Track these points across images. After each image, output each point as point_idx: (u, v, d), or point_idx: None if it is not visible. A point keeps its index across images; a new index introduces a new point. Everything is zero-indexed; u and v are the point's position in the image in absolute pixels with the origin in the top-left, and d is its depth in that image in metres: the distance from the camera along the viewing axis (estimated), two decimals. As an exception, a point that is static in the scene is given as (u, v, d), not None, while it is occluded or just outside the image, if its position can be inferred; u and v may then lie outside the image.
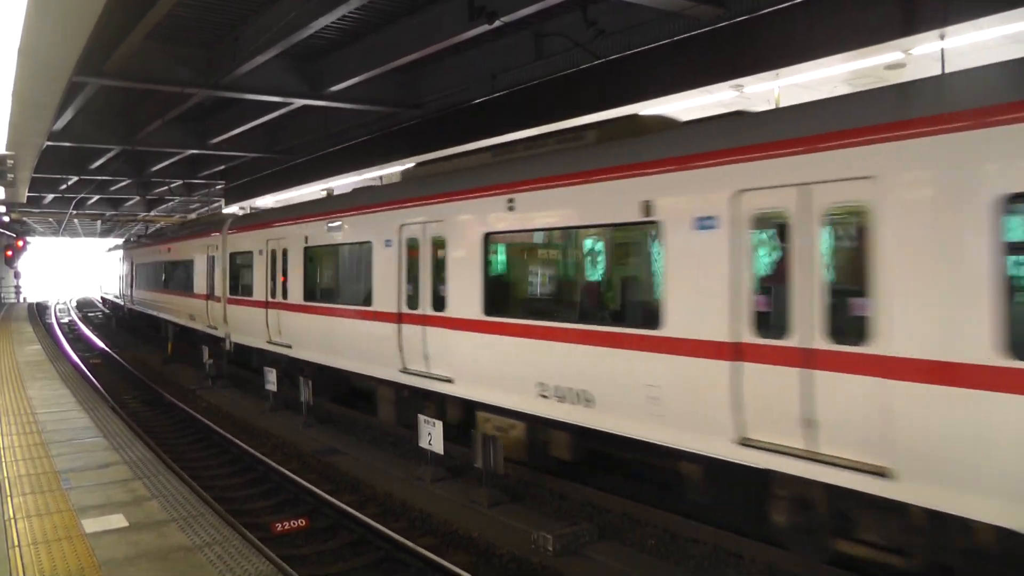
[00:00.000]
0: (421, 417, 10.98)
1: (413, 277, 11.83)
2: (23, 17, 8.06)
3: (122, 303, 40.95)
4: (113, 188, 37.67)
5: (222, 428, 15.00)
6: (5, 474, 8.53)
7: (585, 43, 12.47)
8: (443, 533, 9.33)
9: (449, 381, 10.95)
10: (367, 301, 12.97)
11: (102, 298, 57.84)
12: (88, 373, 21.20)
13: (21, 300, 55.14)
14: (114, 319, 44.58)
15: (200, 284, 22.32)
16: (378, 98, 18.07)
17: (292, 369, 16.36)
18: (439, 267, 11.22)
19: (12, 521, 7.02)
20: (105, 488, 8.05)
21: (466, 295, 10.53)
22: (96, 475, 8.54)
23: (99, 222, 54.03)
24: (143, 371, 23.10)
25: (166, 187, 36.65)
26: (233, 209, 33.46)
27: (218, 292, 20.36)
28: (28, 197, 31.64)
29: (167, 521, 7.03)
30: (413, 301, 11.77)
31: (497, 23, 11.52)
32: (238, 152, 25.95)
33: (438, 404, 11.79)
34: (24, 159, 18.62)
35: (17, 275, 55.18)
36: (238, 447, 13.45)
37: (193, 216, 41.26)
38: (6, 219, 40.83)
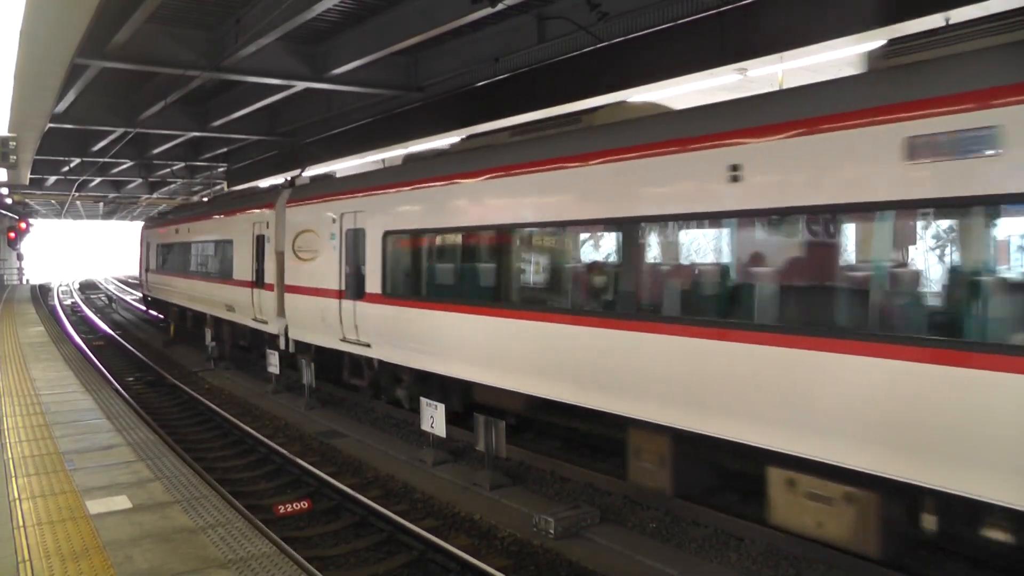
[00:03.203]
0: (423, 400, 11.00)
1: None
2: (24, -1, 8.04)
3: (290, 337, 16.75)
4: (115, 170, 37.60)
5: (224, 410, 15.07)
6: (9, 455, 8.57)
7: (588, 26, 12.41)
8: (445, 515, 9.39)
9: None
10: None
11: (146, 298, 34.38)
12: (91, 355, 21.27)
13: (24, 282, 55.21)
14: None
15: None
16: (380, 81, 18.02)
17: None
18: None
19: (17, 501, 7.07)
20: (109, 469, 8.10)
21: None
22: (100, 456, 8.59)
23: (101, 204, 53.99)
24: (146, 353, 23.17)
25: (168, 169, 36.61)
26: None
27: None
28: (30, 179, 31.66)
29: (170, 503, 7.07)
30: None
31: (500, 6, 11.46)
32: (240, 135, 25.92)
33: None
34: (26, 141, 18.62)
35: (20, 257, 55.22)
36: (240, 429, 13.50)
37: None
38: (8, 201, 40.78)
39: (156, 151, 30.16)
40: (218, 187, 40.16)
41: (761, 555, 7.84)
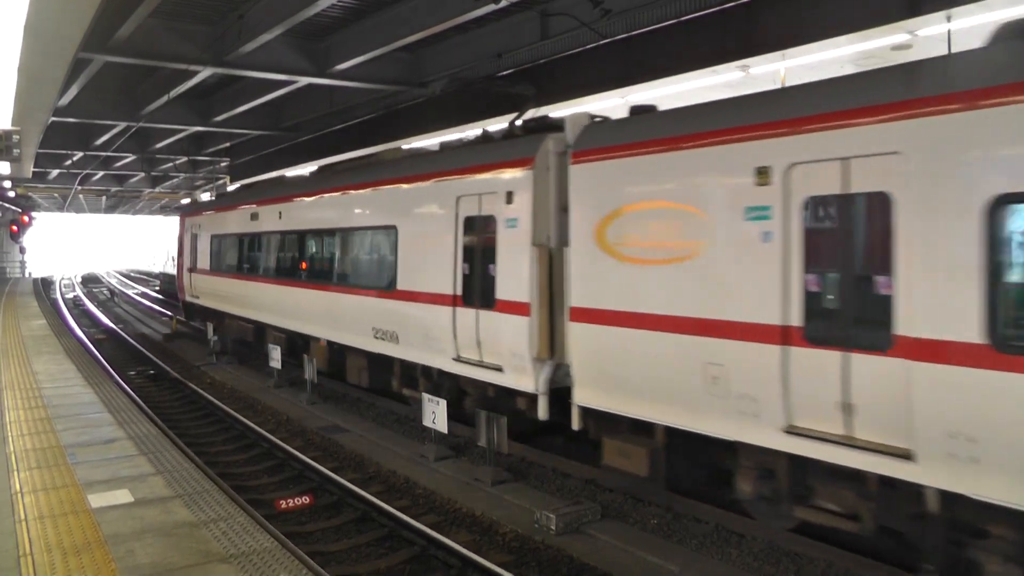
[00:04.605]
0: (425, 395, 11.01)
1: None
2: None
3: None
4: (118, 164, 37.65)
5: (227, 404, 15.09)
6: (12, 448, 8.60)
7: (591, 23, 12.39)
8: (446, 511, 9.40)
9: None
10: None
11: (187, 307, 24.71)
12: (93, 348, 21.30)
13: (26, 275, 55.32)
14: None
15: None
16: (383, 77, 18.01)
17: None
18: None
19: (19, 495, 7.08)
20: (110, 463, 8.11)
21: None
22: (101, 450, 8.61)
23: (104, 198, 54.06)
24: (148, 347, 23.20)
25: (171, 163, 36.64)
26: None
27: None
28: (33, 172, 31.70)
29: (172, 497, 7.09)
30: None
31: (503, 2, 11.44)
32: (243, 129, 25.94)
33: None
34: (30, 134, 18.66)
35: (22, 250, 55.30)
36: (242, 424, 13.52)
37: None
38: (12, 194, 40.84)
39: (159, 145, 30.20)
40: (220, 181, 40.18)
41: (762, 551, 7.85)
